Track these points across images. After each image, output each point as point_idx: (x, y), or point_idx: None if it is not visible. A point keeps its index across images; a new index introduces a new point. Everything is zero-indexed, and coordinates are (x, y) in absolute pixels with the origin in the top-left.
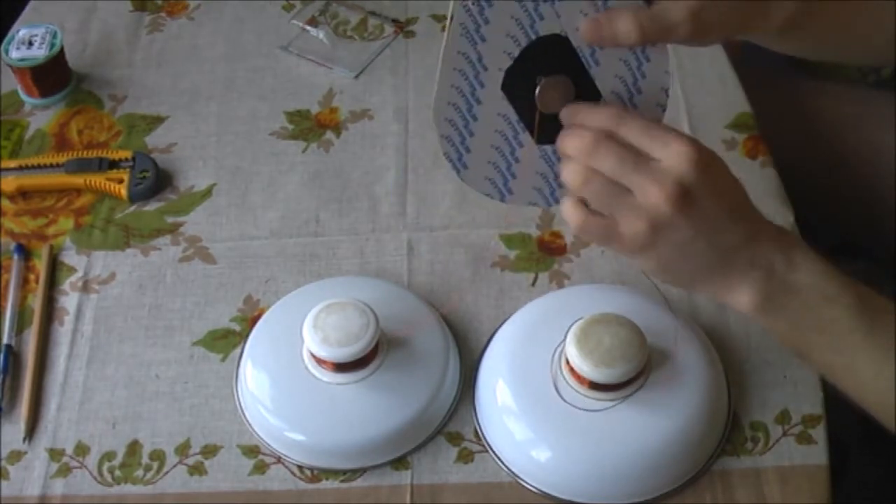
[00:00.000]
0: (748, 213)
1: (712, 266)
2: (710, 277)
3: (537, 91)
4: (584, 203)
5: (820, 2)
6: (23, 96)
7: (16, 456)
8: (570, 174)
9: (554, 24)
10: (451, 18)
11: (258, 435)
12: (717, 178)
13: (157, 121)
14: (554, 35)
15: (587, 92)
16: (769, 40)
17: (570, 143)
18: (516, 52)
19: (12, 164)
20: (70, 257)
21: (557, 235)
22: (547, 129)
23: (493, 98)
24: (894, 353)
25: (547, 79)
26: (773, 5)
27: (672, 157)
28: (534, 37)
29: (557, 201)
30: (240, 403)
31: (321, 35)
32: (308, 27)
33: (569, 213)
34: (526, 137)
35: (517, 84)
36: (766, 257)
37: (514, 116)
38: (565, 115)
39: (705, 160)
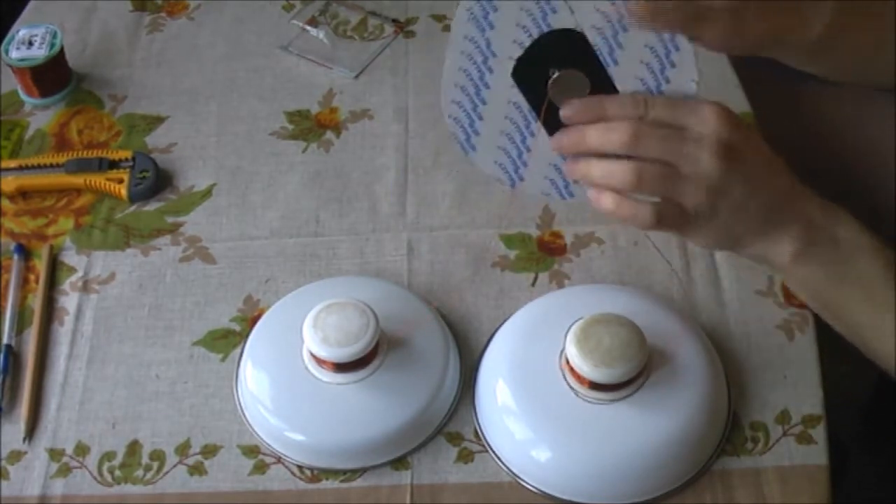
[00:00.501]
0: (784, 166)
1: (760, 221)
2: (758, 234)
3: (550, 82)
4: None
5: (855, 17)
6: (23, 96)
7: (16, 456)
8: (623, 174)
9: (567, 18)
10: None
11: (258, 435)
12: (749, 133)
13: (157, 121)
14: (567, 29)
15: (603, 90)
16: (800, 55)
17: (609, 138)
18: (527, 42)
19: (12, 164)
20: (70, 257)
21: (557, 235)
22: (558, 122)
23: (503, 85)
24: None
25: (561, 72)
26: (811, 13)
27: (704, 121)
28: (545, 28)
29: (572, 195)
30: (240, 403)
31: (321, 35)
32: (308, 27)
33: (627, 211)
34: (538, 128)
35: (528, 74)
36: (807, 209)
37: (525, 105)
38: (580, 106)
39: (734, 116)
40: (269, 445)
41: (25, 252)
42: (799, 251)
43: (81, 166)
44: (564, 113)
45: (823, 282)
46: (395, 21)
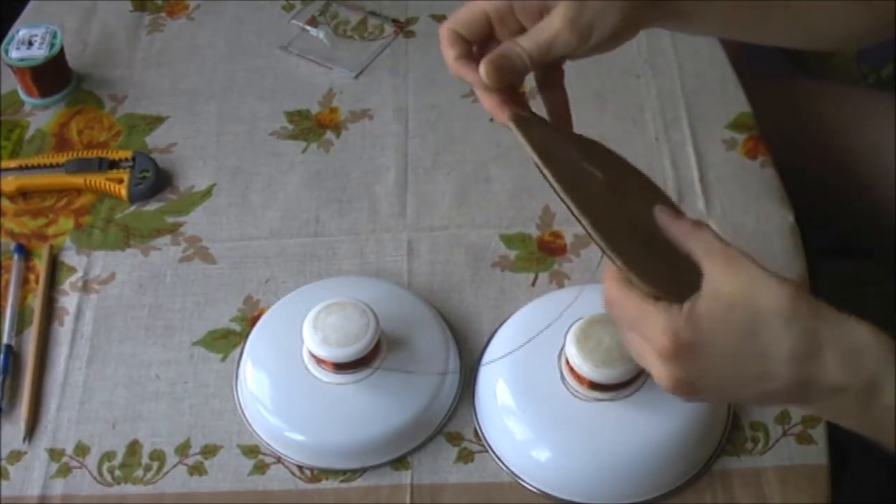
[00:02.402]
0: (789, 357)
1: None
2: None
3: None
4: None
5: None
6: (23, 96)
7: (16, 456)
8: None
9: None
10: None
11: (258, 435)
12: (707, 349)
13: (157, 121)
14: None
15: None
16: (679, 27)
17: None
18: None
19: (12, 164)
20: (70, 257)
21: (557, 235)
22: None
23: None
24: None
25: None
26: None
27: (652, 341)
28: None
29: None
30: (240, 403)
31: (321, 35)
32: (308, 27)
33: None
34: None
35: None
36: (835, 389)
37: None
38: None
39: (682, 344)
40: (269, 445)
41: (25, 252)
42: (817, 412)
43: (81, 166)
44: None
45: (858, 429)
46: (395, 21)
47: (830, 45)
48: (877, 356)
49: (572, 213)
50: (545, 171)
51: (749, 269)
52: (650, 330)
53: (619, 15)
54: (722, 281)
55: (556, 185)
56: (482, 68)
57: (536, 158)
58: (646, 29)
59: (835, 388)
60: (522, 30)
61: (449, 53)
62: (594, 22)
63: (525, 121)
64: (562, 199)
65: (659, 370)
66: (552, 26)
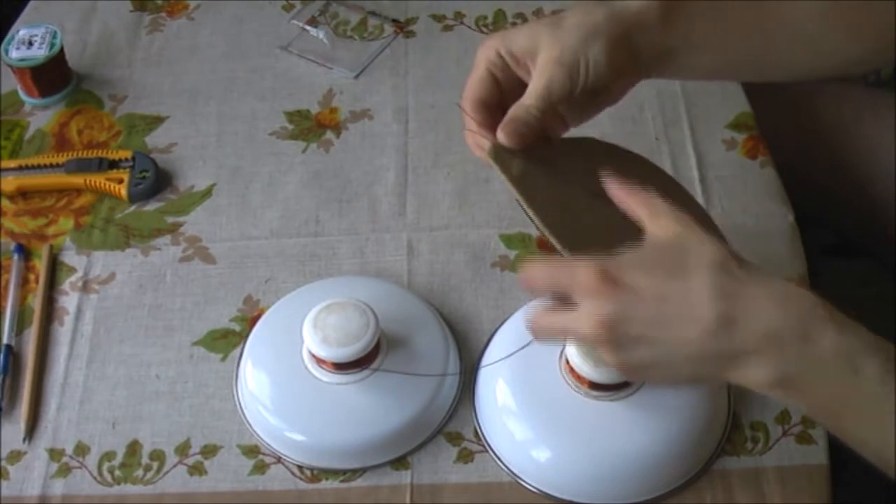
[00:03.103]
0: (712, 294)
1: (696, 366)
2: (715, 374)
3: None
4: None
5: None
6: (23, 96)
7: (16, 456)
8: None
9: None
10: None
11: (258, 435)
12: (638, 301)
13: (157, 121)
14: None
15: None
16: (673, 71)
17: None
18: None
19: (12, 164)
20: (70, 257)
21: None
22: None
23: None
24: None
25: None
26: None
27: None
28: None
29: None
30: (240, 403)
31: (321, 35)
32: (308, 27)
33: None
34: None
35: None
36: (769, 334)
37: None
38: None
39: (607, 281)
40: (269, 445)
41: (25, 252)
42: (773, 381)
43: (81, 166)
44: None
45: (811, 408)
46: (395, 21)
47: (827, 74)
48: (806, 300)
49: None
50: (524, 206)
51: (686, 222)
52: (576, 276)
53: (601, 49)
54: (657, 229)
55: (535, 219)
56: (500, 136)
57: (516, 193)
58: (641, 77)
59: (767, 334)
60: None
61: (471, 122)
62: (578, 57)
63: (505, 153)
64: (540, 231)
65: (586, 313)
66: (542, 72)
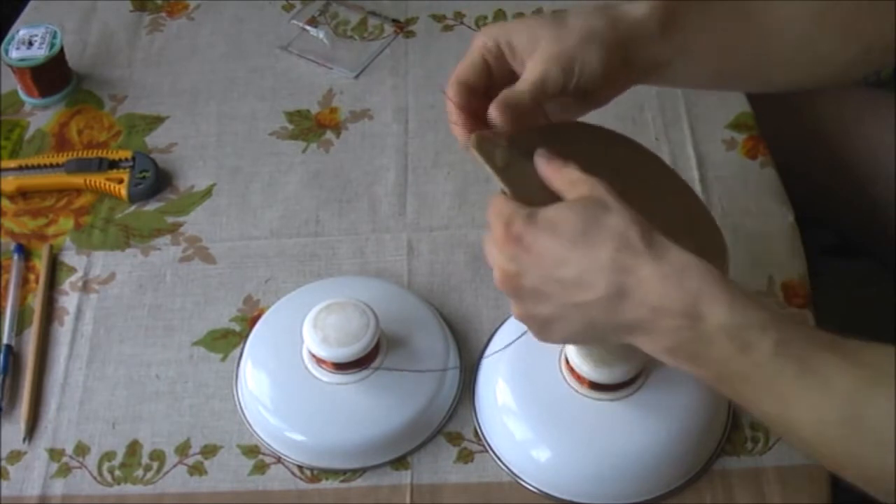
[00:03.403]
0: (606, 266)
1: (585, 328)
2: (610, 334)
3: None
4: None
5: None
6: (23, 96)
7: (16, 456)
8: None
9: None
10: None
11: (258, 435)
12: (534, 249)
13: (157, 121)
14: None
15: None
16: (666, 77)
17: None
18: None
19: (12, 164)
20: (70, 257)
21: None
22: None
23: None
24: (834, 393)
25: None
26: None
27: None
28: None
29: None
30: (240, 403)
31: (321, 35)
32: (308, 27)
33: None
34: None
35: None
36: (657, 308)
37: None
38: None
39: (513, 234)
40: (269, 445)
41: (25, 252)
42: (668, 353)
43: (81, 166)
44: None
45: (710, 382)
46: (395, 21)
47: (825, 82)
48: (700, 275)
49: None
50: (510, 196)
51: (600, 190)
52: (493, 217)
53: (597, 54)
54: (571, 194)
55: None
56: (491, 112)
57: (501, 184)
58: (633, 84)
59: (657, 307)
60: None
61: (451, 105)
62: (575, 57)
63: (488, 144)
64: None
65: (494, 258)
66: (538, 65)
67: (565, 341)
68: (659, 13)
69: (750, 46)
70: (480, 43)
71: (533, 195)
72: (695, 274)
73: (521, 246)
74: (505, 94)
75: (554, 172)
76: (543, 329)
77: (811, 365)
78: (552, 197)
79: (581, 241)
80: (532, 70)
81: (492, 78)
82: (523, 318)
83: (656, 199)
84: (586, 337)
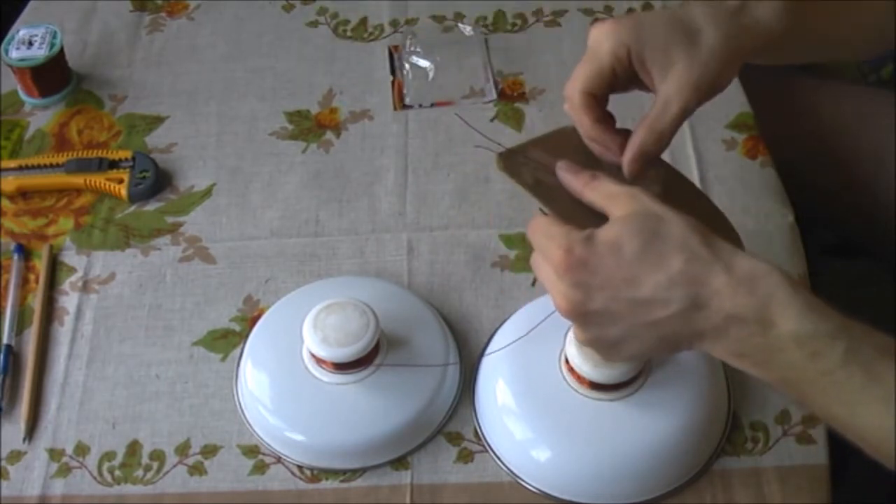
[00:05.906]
0: (678, 281)
1: (660, 343)
2: (676, 348)
3: None
4: None
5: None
6: (23, 96)
7: (16, 456)
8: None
9: None
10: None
11: (258, 435)
12: (598, 270)
13: (157, 121)
14: None
15: None
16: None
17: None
18: None
19: (12, 164)
20: (70, 257)
21: None
22: None
23: None
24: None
25: None
26: (759, 23)
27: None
28: None
29: None
30: (240, 403)
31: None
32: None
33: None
34: None
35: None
36: (731, 316)
37: None
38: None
39: (575, 259)
40: (269, 445)
41: (25, 252)
42: (736, 357)
43: (81, 166)
44: None
45: (777, 385)
46: (395, 21)
47: (873, 52)
48: (772, 282)
49: None
50: (545, 210)
51: (646, 201)
52: (545, 241)
53: (734, 70)
54: (616, 210)
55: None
56: (627, 165)
57: (535, 200)
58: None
59: (730, 315)
60: (635, 75)
61: (585, 120)
62: (714, 84)
63: (513, 163)
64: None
65: (554, 285)
66: (678, 95)
67: (633, 358)
68: (790, 15)
69: (851, 18)
70: (611, 51)
71: (570, 210)
72: (767, 281)
73: (587, 271)
74: (641, 146)
75: (584, 186)
76: (612, 349)
77: (878, 373)
78: (589, 210)
79: (647, 258)
80: (669, 105)
81: (615, 85)
82: (590, 342)
83: (678, 203)
84: (655, 351)
